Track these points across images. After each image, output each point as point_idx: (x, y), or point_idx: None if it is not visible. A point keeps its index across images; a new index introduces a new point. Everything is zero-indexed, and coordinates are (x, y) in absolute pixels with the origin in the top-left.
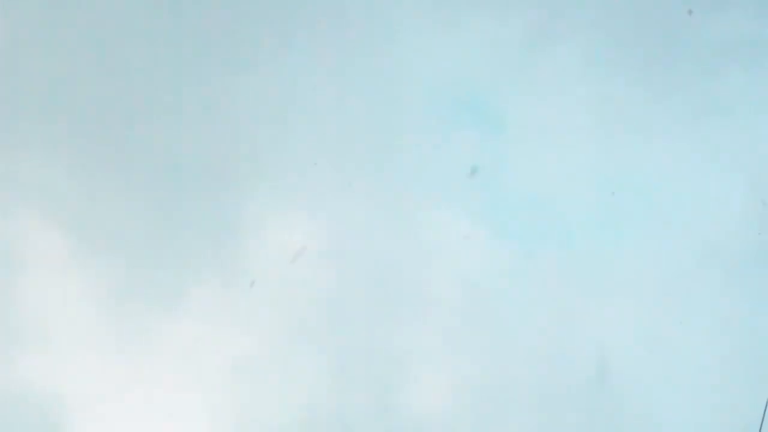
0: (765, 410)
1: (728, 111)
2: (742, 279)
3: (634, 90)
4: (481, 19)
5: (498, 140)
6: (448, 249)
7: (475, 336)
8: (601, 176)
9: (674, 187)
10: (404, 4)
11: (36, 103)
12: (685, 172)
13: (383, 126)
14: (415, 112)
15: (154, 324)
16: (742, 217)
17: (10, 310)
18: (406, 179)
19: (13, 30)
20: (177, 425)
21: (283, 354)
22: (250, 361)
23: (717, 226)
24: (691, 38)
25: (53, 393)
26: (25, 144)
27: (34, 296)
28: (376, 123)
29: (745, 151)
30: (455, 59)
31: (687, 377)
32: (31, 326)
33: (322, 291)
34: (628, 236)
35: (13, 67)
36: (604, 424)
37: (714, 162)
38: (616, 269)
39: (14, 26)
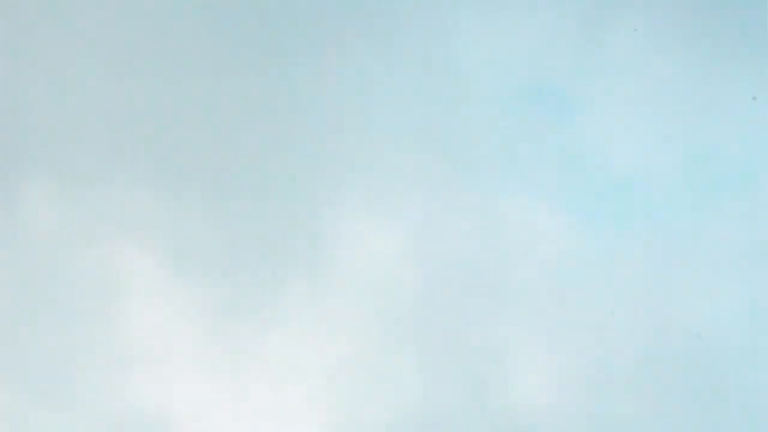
0: None
1: None
2: None
3: (707, 61)
4: (542, 5)
5: (575, 125)
6: (536, 238)
7: (570, 323)
8: (682, 151)
9: (759, 157)
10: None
11: (123, 132)
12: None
13: (461, 122)
14: (490, 104)
15: (251, 336)
16: None
17: (116, 334)
18: (487, 172)
19: (98, 68)
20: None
21: (379, 355)
22: (347, 364)
23: None
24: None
25: (162, 409)
26: (117, 175)
27: (137, 319)
28: (454, 119)
29: None
30: (524, 50)
31: None
32: (136, 348)
33: (412, 290)
34: (717, 210)
35: (104, 103)
36: (711, 401)
37: None
38: (707, 244)
39: (99, 64)
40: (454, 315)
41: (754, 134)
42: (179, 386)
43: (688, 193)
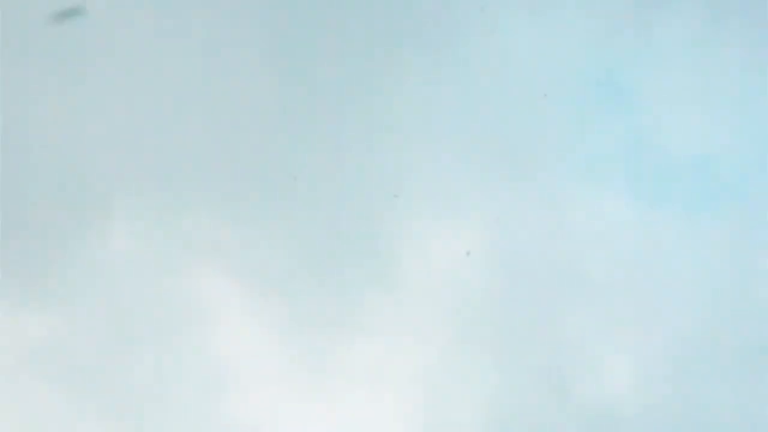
0: None
1: None
2: None
3: (765, 40)
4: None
5: (636, 112)
6: (606, 228)
7: (648, 312)
8: (748, 130)
9: None
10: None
11: (197, 168)
12: None
13: (519, 117)
14: (548, 97)
15: (334, 347)
16: None
17: (205, 354)
18: (551, 166)
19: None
20: None
21: (459, 356)
22: (430, 367)
23: None
24: None
25: (254, 424)
26: (195, 206)
27: (224, 340)
28: (512, 115)
29: None
30: (578, 42)
31: None
32: (225, 367)
33: (486, 290)
34: None
35: (177, 143)
36: None
37: None
38: None
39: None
40: (531, 312)
41: None
42: (269, 401)
43: (758, 172)
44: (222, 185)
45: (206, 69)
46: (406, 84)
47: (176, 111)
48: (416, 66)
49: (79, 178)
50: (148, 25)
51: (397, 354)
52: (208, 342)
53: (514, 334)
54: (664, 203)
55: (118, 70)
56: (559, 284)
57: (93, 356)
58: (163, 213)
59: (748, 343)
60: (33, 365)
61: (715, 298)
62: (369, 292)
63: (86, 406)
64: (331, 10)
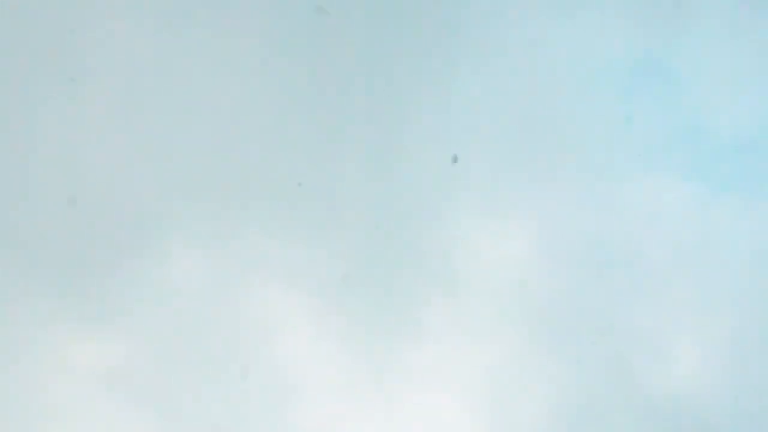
0: None
1: None
2: None
3: None
4: None
5: (682, 92)
6: (665, 215)
7: (714, 299)
8: None
9: None
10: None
11: (243, 187)
12: None
13: (564, 109)
14: (591, 86)
15: (399, 356)
16: None
17: (270, 370)
18: (601, 155)
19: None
20: None
21: (523, 355)
22: (495, 368)
23: None
24: None
25: None
26: (245, 226)
27: (287, 355)
28: (557, 107)
29: None
30: (616, 27)
31: None
32: (291, 381)
33: (546, 287)
34: None
35: (222, 163)
36: None
37: None
38: None
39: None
40: (593, 306)
41: None
42: (337, 411)
43: None
44: (277, 199)
45: (256, 85)
46: (453, 81)
47: (233, 127)
48: (461, 63)
49: (139, 197)
50: (204, 49)
51: (460, 356)
52: (273, 356)
53: (578, 330)
54: (725, 187)
55: (173, 89)
56: (622, 276)
57: (162, 375)
58: (222, 230)
59: None
60: (106, 386)
61: None
62: (429, 295)
63: (158, 427)
64: (379, 9)
